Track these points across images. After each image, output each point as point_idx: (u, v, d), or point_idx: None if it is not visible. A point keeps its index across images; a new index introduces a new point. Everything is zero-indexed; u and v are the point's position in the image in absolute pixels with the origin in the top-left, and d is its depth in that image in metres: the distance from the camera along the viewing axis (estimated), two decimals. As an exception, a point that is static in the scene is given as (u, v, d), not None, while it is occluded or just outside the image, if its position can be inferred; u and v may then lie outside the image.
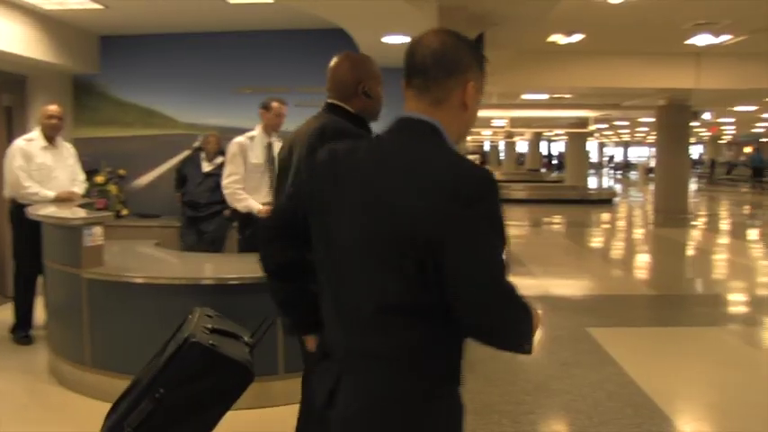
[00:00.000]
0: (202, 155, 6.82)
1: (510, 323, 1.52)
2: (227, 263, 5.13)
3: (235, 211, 5.34)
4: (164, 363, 2.60)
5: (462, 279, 1.46)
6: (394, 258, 1.50)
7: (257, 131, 5.29)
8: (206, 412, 2.68)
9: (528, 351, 1.55)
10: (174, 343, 2.69)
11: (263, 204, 4.96)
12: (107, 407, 3.95)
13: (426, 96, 1.62)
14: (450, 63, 1.61)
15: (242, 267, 4.39)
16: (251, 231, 4.90)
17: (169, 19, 7.20)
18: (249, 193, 5.16)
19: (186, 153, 7.23)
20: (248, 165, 5.19)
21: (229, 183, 5.17)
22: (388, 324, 1.53)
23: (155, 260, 5.02)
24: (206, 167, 6.77)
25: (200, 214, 6.67)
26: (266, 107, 5.29)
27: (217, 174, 6.71)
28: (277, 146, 5.39)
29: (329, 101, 2.68)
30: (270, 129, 5.30)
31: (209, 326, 2.74)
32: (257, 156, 5.21)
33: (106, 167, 7.64)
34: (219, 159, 6.79)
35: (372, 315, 1.54)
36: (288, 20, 7.10)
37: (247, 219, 4.99)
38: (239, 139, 5.24)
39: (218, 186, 6.68)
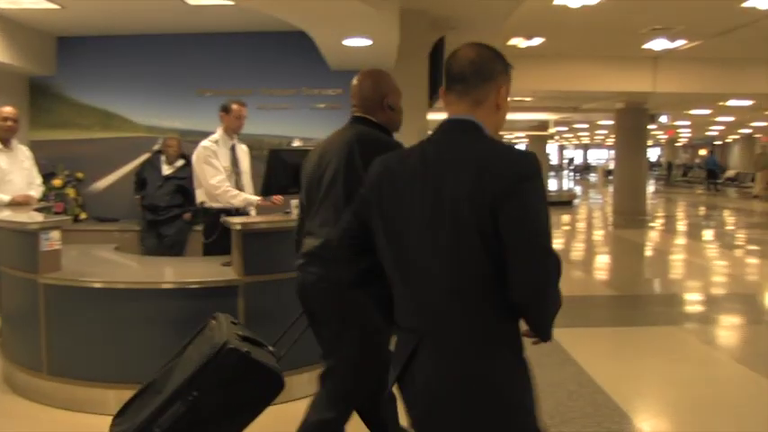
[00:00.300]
0: (162, 158, 6.75)
1: (552, 285, 1.79)
2: (188, 267, 5.08)
3: (203, 215, 5.27)
4: (199, 366, 2.64)
5: (518, 238, 1.71)
6: (465, 240, 1.74)
7: (219, 135, 5.25)
8: (236, 418, 2.75)
9: (550, 336, 1.89)
10: (200, 347, 2.77)
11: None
12: (64, 414, 3.91)
13: (466, 99, 1.90)
14: (486, 71, 1.91)
15: (203, 271, 4.35)
16: (217, 235, 4.85)
17: (128, 20, 7.10)
18: None
19: (146, 156, 7.14)
20: None
21: (218, 182, 5.12)
22: (459, 302, 1.77)
23: (114, 264, 4.94)
24: (166, 170, 6.70)
25: (161, 218, 6.60)
26: (226, 110, 5.26)
27: (177, 177, 6.65)
28: (239, 148, 5.37)
29: (356, 114, 2.88)
30: (231, 131, 5.27)
31: (241, 333, 2.79)
32: (223, 159, 5.19)
33: (64, 171, 7.50)
34: (180, 162, 6.72)
35: (444, 296, 1.78)
36: (249, 22, 7.06)
37: (213, 223, 4.94)
38: (206, 143, 5.18)
39: (178, 190, 6.63)
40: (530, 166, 1.75)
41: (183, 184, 6.68)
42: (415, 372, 1.82)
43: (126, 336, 4.01)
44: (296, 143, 7.49)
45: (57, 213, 6.74)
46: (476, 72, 1.90)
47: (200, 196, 5.28)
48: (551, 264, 1.76)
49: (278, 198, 4.95)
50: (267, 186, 4.81)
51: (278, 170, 4.70)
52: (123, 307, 4.02)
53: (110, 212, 7.51)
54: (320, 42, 6.45)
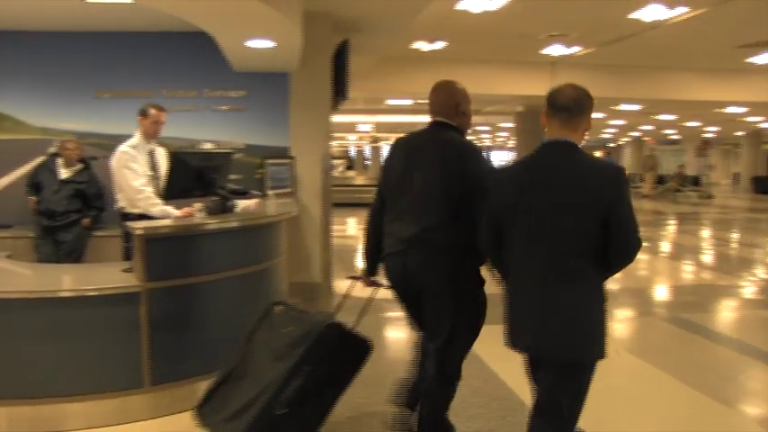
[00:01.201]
0: (59, 161, 6.49)
1: (636, 251, 2.73)
2: (86, 274, 4.89)
3: (122, 220, 5.09)
4: (310, 343, 3.14)
5: (621, 226, 2.63)
6: (585, 224, 2.62)
7: (137, 139, 5.11)
8: (339, 383, 3.29)
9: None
10: (276, 330, 3.32)
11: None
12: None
13: (568, 126, 2.74)
14: (582, 106, 2.77)
15: (102, 278, 4.20)
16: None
17: (20, 15, 6.77)
18: None
19: (41, 159, 6.83)
20: None
21: (141, 186, 4.97)
22: (577, 267, 2.65)
23: (6, 273, 4.71)
24: (64, 174, 6.45)
25: (57, 223, 6.35)
26: (144, 114, 5.13)
27: (76, 181, 6.42)
28: (158, 152, 5.23)
29: (437, 119, 3.40)
30: (148, 136, 5.15)
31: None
32: (142, 164, 5.05)
33: (-52, 175, 7.09)
34: (79, 166, 6.49)
35: (569, 265, 2.66)
36: (150, 22, 6.88)
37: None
38: (125, 148, 5.04)
39: (76, 194, 6.40)
40: (622, 173, 2.70)
41: (82, 188, 6.45)
42: (538, 310, 2.73)
43: (20, 349, 3.83)
44: (207, 146, 7.36)
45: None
46: (576, 106, 2.75)
47: (120, 201, 5.13)
48: (637, 239, 2.69)
49: (192, 209, 4.83)
50: (169, 190, 4.71)
51: (180, 173, 4.61)
52: (17, 318, 3.84)
53: (1, 218, 7.14)
54: (222, 43, 6.35)
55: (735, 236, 14.11)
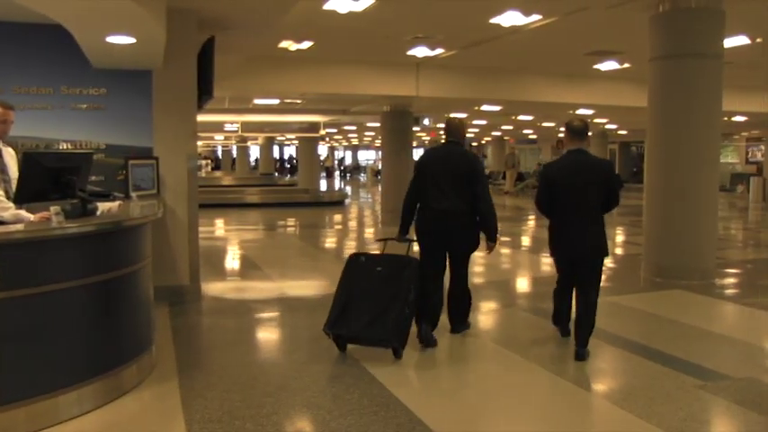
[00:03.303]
0: None
1: (618, 203, 5.42)
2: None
3: None
4: (412, 270, 5.24)
5: (613, 189, 5.27)
6: (598, 190, 5.21)
7: None
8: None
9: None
10: (371, 271, 5.32)
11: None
12: None
13: (583, 141, 5.38)
14: (587, 129, 5.46)
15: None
16: None
17: None
18: None
19: None
20: None
21: None
22: (595, 212, 5.26)
23: None
24: None
25: None
26: None
27: None
28: (6, 153, 4.91)
29: (452, 139, 5.74)
30: None
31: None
32: None
33: None
34: None
35: (591, 211, 5.24)
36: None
37: None
38: None
39: None
40: (612, 166, 5.87)
41: None
42: (578, 234, 5.27)
43: None
44: (64, 146, 6.99)
45: None
46: (585, 130, 5.39)
47: None
48: (618, 197, 5.37)
49: (48, 213, 4.55)
50: (22, 193, 4.44)
51: (34, 175, 4.36)
52: None
53: None
54: (79, 38, 6.04)
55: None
